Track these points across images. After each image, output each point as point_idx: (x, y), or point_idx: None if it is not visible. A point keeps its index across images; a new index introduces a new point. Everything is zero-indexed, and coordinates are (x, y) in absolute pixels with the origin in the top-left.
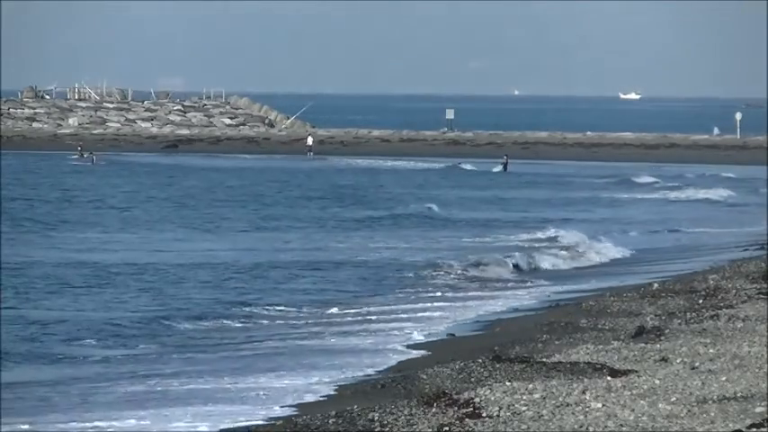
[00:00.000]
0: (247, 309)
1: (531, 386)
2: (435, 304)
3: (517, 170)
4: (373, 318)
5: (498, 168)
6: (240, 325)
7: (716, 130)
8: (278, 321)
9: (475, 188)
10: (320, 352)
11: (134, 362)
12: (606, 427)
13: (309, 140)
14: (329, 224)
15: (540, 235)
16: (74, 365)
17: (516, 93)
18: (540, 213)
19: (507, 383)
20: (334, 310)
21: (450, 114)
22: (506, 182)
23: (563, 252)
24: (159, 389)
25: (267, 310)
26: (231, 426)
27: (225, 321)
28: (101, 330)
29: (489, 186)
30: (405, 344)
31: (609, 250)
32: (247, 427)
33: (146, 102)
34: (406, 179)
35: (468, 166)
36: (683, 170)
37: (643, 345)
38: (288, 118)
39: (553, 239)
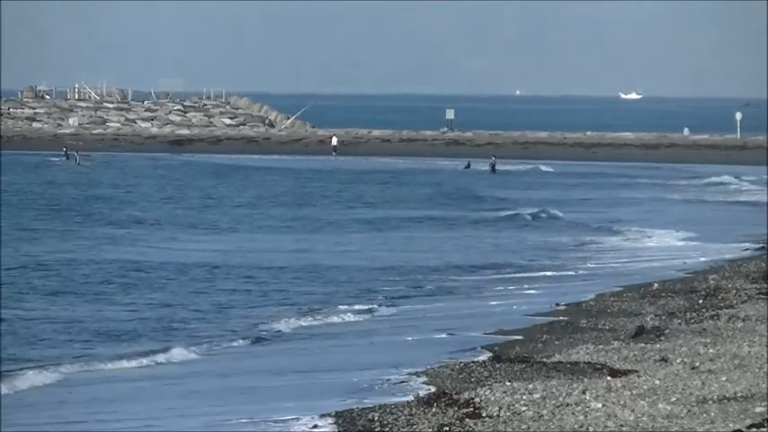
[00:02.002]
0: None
1: (531, 386)
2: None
3: (570, 171)
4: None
5: (486, 169)
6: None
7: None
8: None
9: (560, 188)
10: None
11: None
12: (606, 427)
13: (334, 140)
14: (455, 224)
15: (660, 231)
16: (234, 359)
17: (518, 93)
18: (657, 215)
19: (507, 383)
20: (417, 307)
21: (450, 114)
22: (592, 184)
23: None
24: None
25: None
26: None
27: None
28: (233, 325)
29: (574, 187)
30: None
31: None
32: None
33: (146, 102)
34: (481, 179)
35: (545, 168)
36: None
37: (643, 345)
38: (288, 118)
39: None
